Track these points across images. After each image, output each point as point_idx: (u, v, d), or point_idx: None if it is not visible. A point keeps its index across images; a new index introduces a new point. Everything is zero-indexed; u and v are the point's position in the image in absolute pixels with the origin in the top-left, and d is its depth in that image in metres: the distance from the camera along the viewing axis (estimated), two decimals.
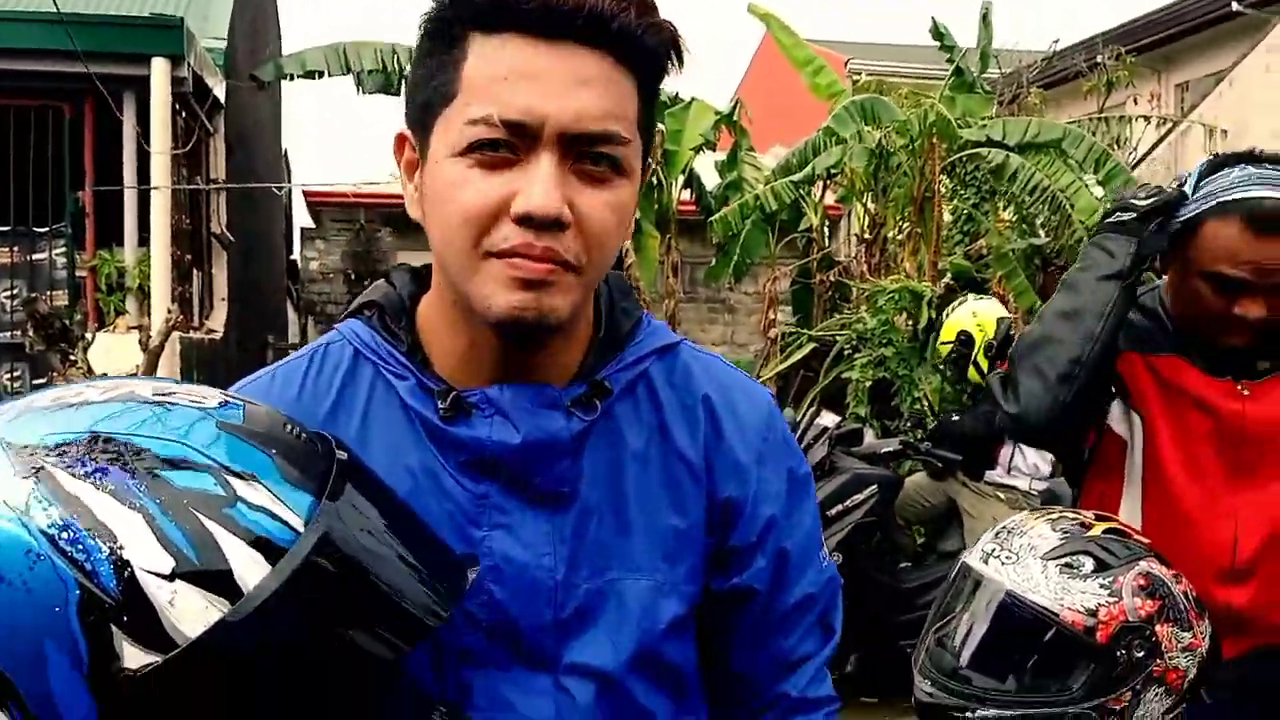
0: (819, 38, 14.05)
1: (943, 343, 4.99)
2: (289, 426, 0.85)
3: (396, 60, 8.14)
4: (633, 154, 0.94)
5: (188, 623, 0.72)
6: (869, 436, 5.23)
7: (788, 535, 1.07)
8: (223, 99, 7.93)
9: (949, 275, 7.96)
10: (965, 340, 4.86)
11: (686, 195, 9.66)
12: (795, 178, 8.53)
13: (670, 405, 1.05)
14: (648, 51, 0.92)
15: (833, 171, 8.83)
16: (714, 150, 9.51)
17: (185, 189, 7.24)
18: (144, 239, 6.72)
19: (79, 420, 0.77)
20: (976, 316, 4.92)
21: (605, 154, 0.91)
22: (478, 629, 0.97)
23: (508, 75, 0.89)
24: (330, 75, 9.26)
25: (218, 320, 8.26)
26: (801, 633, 1.09)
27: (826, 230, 10.68)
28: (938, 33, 8.95)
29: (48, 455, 0.74)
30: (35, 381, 6.78)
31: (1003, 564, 1.77)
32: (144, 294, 6.70)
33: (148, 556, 0.72)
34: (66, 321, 5.62)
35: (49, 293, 6.67)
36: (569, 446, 0.98)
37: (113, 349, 6.00)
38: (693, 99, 9.24)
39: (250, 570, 0.74)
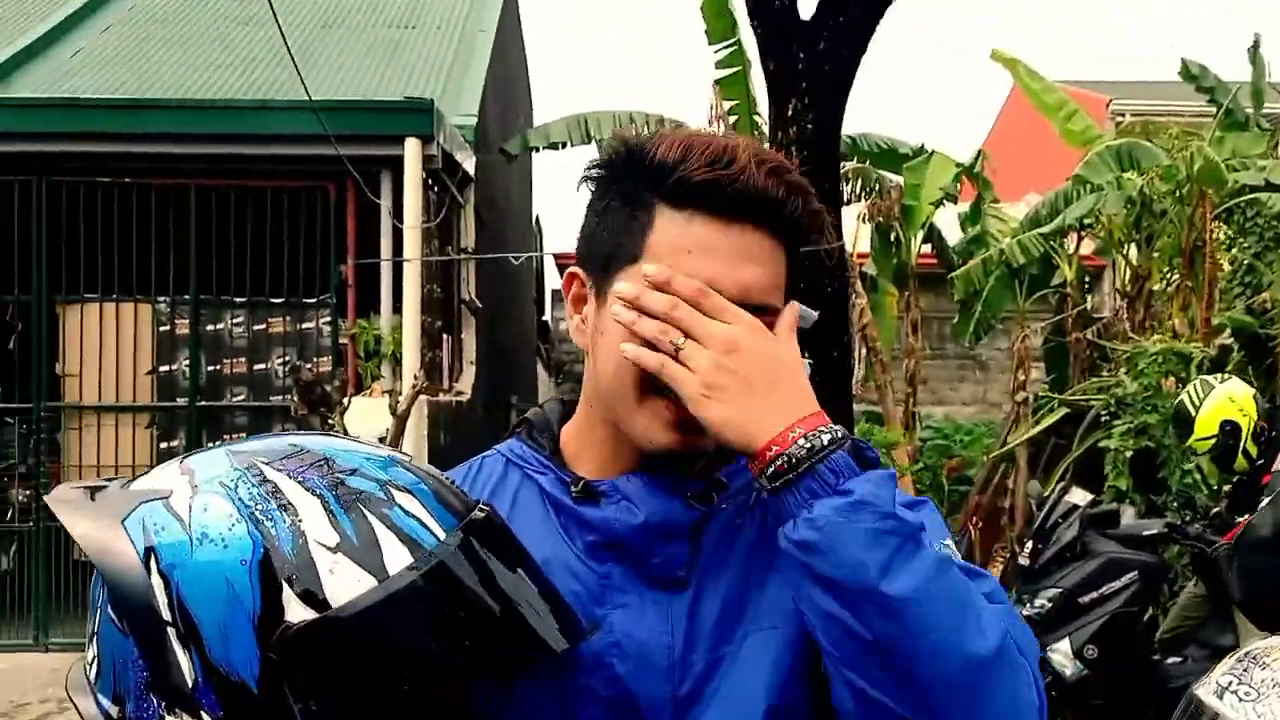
0: (1073, 78, 13.32)
1: (1201, 439, 4.44)
2: (446, 478, 1.00)
3: (634, 128, 8.36)
4: (777, 316, 1.04)
5: (342, 590, 0.85)
6: (1128, 516, 4.76)
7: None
8: (472, 172, 8.37)
9: (1227, 330, 7.24)
10: (1231, 430, 4.34)
11: (927, 249, 9.34)
12: (1044, 230, 8.07)
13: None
14: (803, 230, 1.04)
15: (1087, 222, 8.29)
16: (955, 204, 9.16)
17: (435, 259, 7.66)
18: (398, 308, 7.15)
19: (285, 441, 0.96)
20: (1235, 401, 4.39)
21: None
22: (598, 704, 1.02)
23: (692, 249, 1.00)
24: (573, 145, 9.65)
25: (466, 383, 8.65)
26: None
27: (1086, 285, 10.03)
28: (1189, 74, 8.27)
29: (258, 456, 0.92)
30: None
31: (1240, 700, 1.51)
32: (397, 360, 7.11)
33: (319, 531, 0.87)
34: (326, 388, 6.01)
35: (315, 359, 7.20)
36: (686, 530, 1.04)
37: (367, 412, 6.38)
38: (932, 152, 8.96)
39: (398, 558, 0.87)
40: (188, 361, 7.28)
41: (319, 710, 0.85)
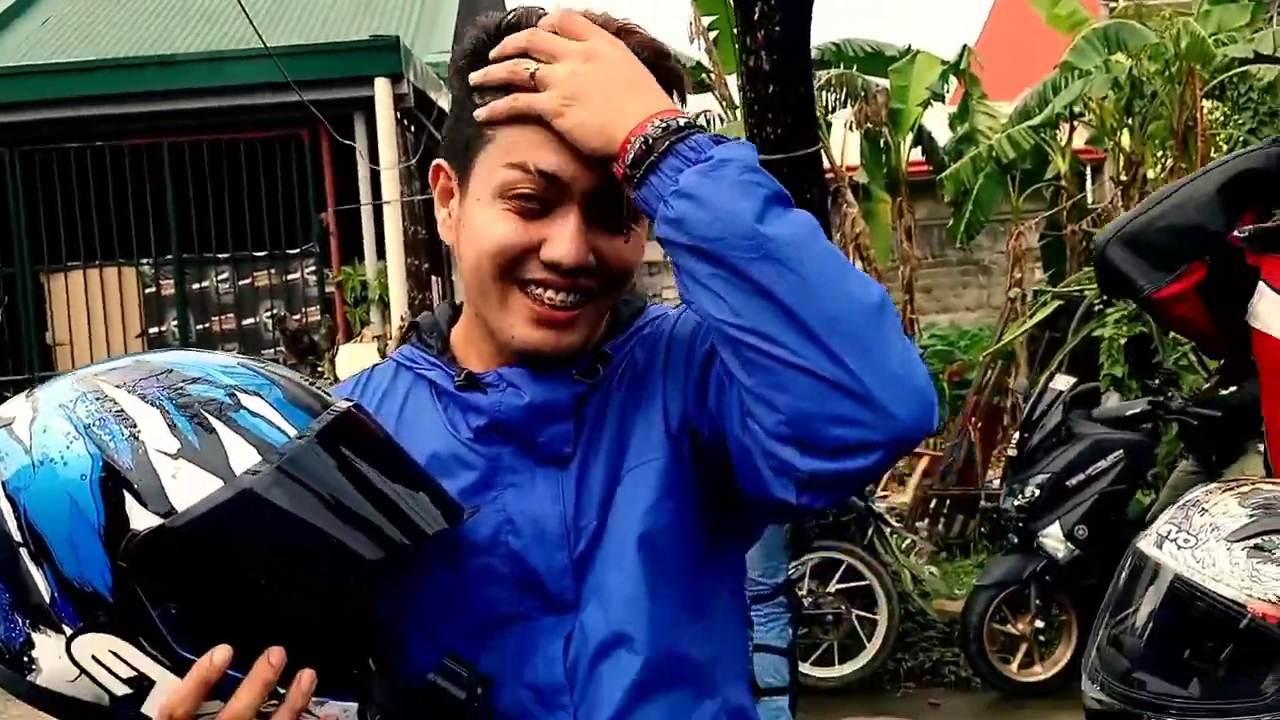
0: None
1: None
2: (306, 379, 0.98)
3: None
4: None
5: (186, 494, 0.86)
6: (1113, 399, 4.72)
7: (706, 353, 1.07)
8: (448, 109, 8.27)
9: None
10: None
11: (918, 154, 9.17)
12: (1033, 122, 7.89)
13: (642, 356, 1.10)
14: (655, 62, 1.02)
15: (1078, 111, 8.10)
16: (944, 103, 8.97)
17: (415, 200, 7.60)
18: (382, 252, 7.12)
19: (131, 358, 0.95)
20: None
21: (624, 216, 1.02)
22: (502, 581, 1.04)
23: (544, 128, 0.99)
24: None
25: None
26: None
27: (1087, 176, 9.84)
28: None
29: (100, 376, 0.92)
30: None
31: (1179, 548, 1.49)
32: (385, 304, 7.09)
33: (159, 439, 0.87)
34: (313, 337, 5.99)
35: (304, 309, 7.19)
36: (569, 408, 1.05)
37: (357, 358, 6.38)
38: (916, 52, 8.75)
39: (243, 459, 0.87)
40: (176, 322, 7.30)
41: (180, 614, 0.86)
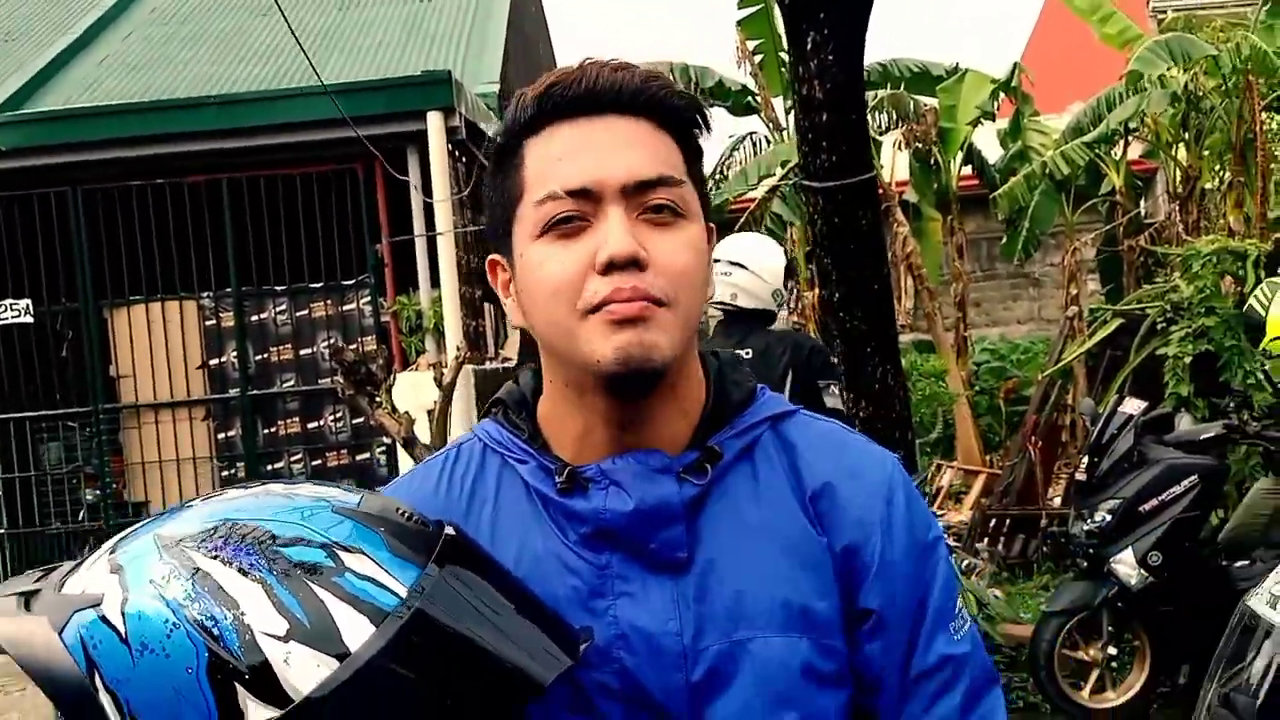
0: None
1: (1275, 339, 4.26)
2: (401, 510, 0.93)
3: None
4: (689, 196, 1.02)
5: (301, 679, 0.82)
6: (1186, 421, 4.64)
7: (913, 595, 1.05)
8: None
9: None
10: None
11: (968, 171, 9.12)
12: (1088, 138, 7.83)
13: (789, 471, 1.06)
14: (677, 112, 1.03)
15: (1133, 126, 8.02)
16: (994, 121, 8.91)
17: (469, 230, 7.65)
18: (436, 281, 7.18)
19: (217, 513, 0.90)
20: None
21: (664, 202, 0.99)
22: (613, 698, 1.00)
23: (561, 156, 0.99)
24: None
25: (511, 349, 8.67)
26: (947, 711, 1.04)
27: (1137, 191, 9.71)
28: None
29: (187, 543, 0.87)
30: (354, 422, 7.41)
31: None
32: (440, 333, 7.14)
33: (265, 621, 0.82)
34: (370, 366, 6.05)
35: (360, 339, 7.26)
36: (680, 512, 1.01)
37: (414, 386, 6.43)
38: (965, 70, 8.72)
39: (356, 631, 0.83)
40: (236, 353, 7.40)
41: None
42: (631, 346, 0.96)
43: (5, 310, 7.13)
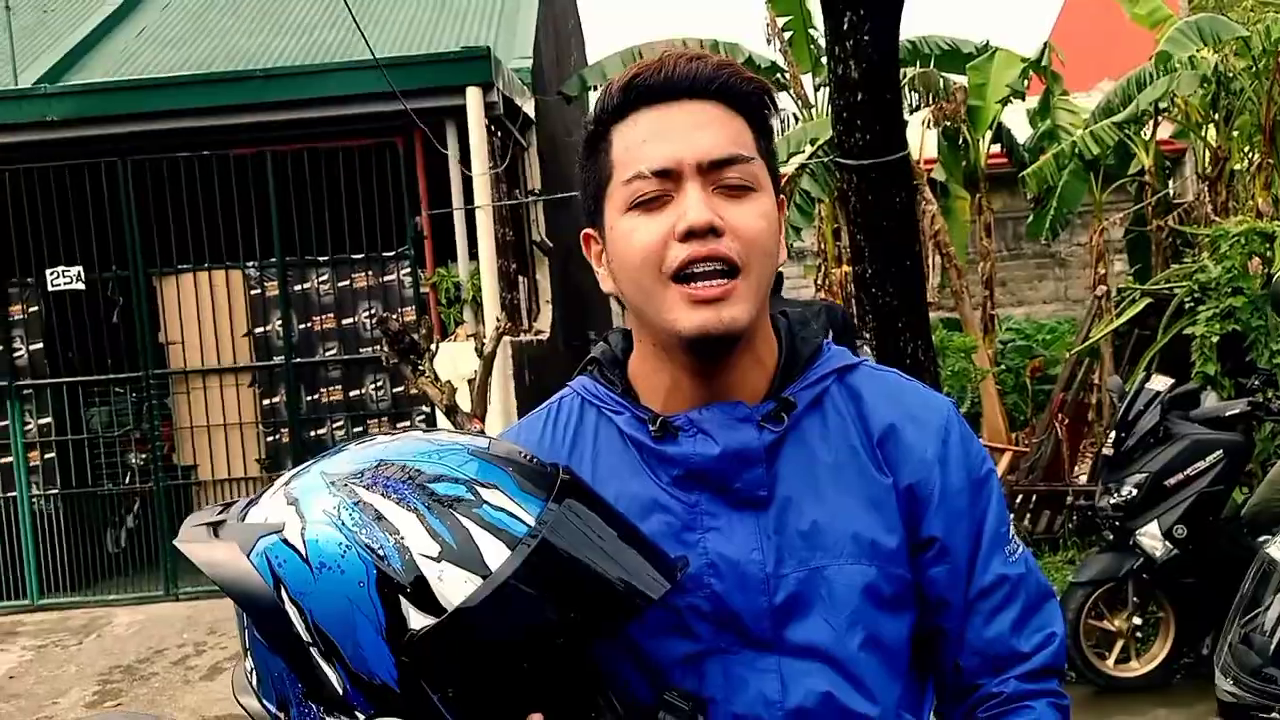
0: None
1: None
2: (524, 454, 1.09)
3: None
4: (760, 171, 1.13)
5: (453, 593, 0.96)
6: (1211, 398, 4.75)
7: (971, 523, 1.17)
8: (532, 114, 8.46)
9: None
10: None
11: (996, 149, 9.16)
12: (1118, 118, 7.86)
13: (855, 418, 1.18)
14: (746, 97, 1.14)
15: (1163, 106, 8.05)
16: (1023, 100, 8.95)
17: (505, 204, 7.80)
18: (474, 253, 7.33)
19: (371, 455, 1.05)
20: None
21: (736, 179, 1.11)
22: (705, 619, 1.13)
23: (645, 139, 1.11)
24: None
25: (544, 322, 8.83)
26: (1005, 625, 1.17)
27: (1166, 171, 9.73)
28: None
29: (351, 479, 1.02)
30: (395, 390, 7.59)
31: None
32: (477, 304, 7.30)
33: (421, 544, 0.97)
34: (414, 336, 6.21)
35: (399, 310, 7.43)
36: (761, 455, 1.14)
37: (454, 356, 6.59)
38: (995, 49, 8.75)
39: (496, 554, 0.97)
40: (280, 321, 7.58)
41: (456, 695, 0.97)
42: (709, 323, 1.08)
43: (58, 277, 7.33)
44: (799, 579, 1.12)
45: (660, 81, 1.11)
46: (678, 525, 1.13)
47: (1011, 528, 1.21)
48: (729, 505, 1.13)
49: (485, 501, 0.99)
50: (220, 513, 1.08)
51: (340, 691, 0.98)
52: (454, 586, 0.95)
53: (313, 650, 0.98)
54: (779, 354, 1.19)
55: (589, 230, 1.19)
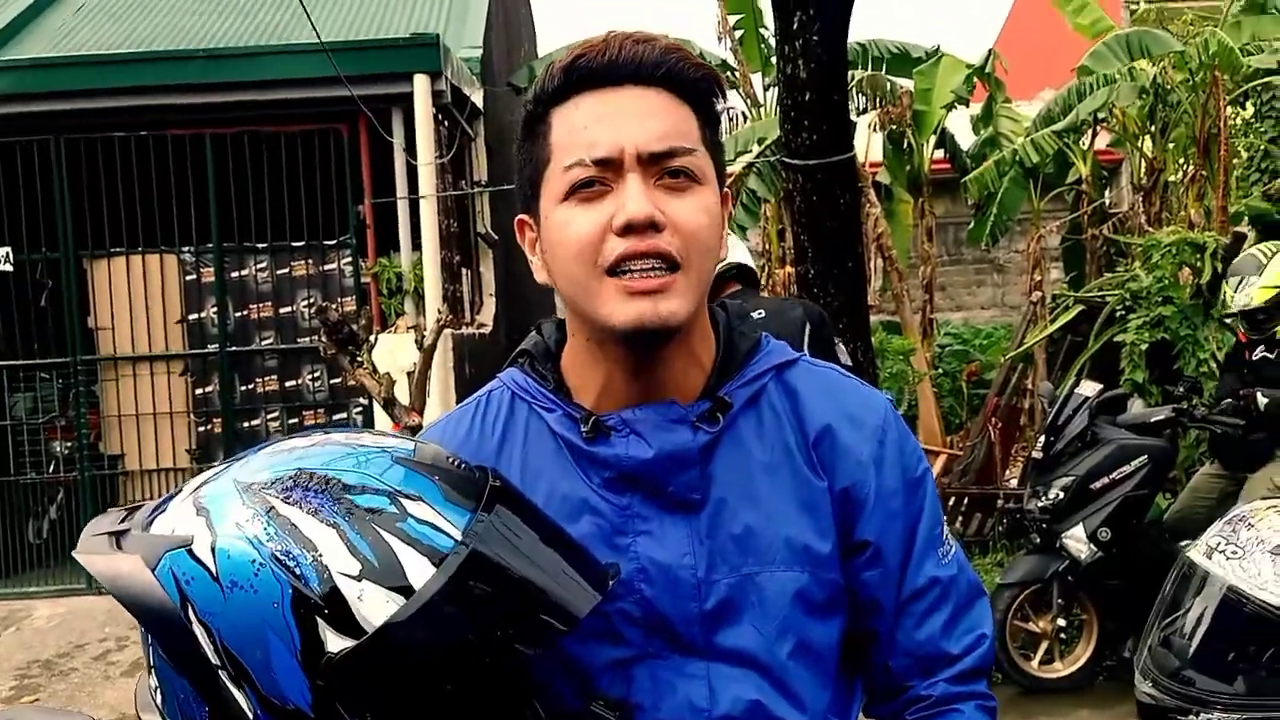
0: None
1: (1258, 308, 4.46)
2: (451, 459, 1.03)
3: None
4: (704, 163, 1.09)
5: (373, 613, 0.91)
6: (1138, 405, 4.86)
7: (905, 525, 1.16)
8: (481, 105, 8.40)
9: (1245, 220, 7.21)
10: None
11: (940, 154, 9.28)
12: (1058, 127, 8.00)
13: (791, 416, 1.16)
14: (694, 84, 1.10)
15: (1101, 117, 8.21)
16: (968, 106, 9.08)
17: (450, 195, 7.73)
18: (417, 244, 7.26)
19: (289, 460, 0.99)
20: None
21: (681, 168, 1.07)
22: (634, 625, 1.11)
23: (586, 124, 1.07)
24: None
25: (488, 314, 8.78)
26: (936, 627, 1.16)
27: (1102, 181, 9.91)
28: None
29: (266, 489, 0.96)
30: (332, 381, 7.49)
31: (1228, 559, 1.63)
32: (419, 296, 7.24)
33: (340, 562, 0.92)
34: (353, 327, 6.13)
35: (339, 299, 7.34)
36: (696, 457, 1.11)
37: (393, 348, 6.52)
38: (941, 54, 8.86)
39: (420, 571, 0.92)
40: (215, 309, 7.44)
41: (377, 718, 0.93)
42: (646, 315, 1.04)
43: None
44: (730, 585, 1.10)
45: (604, 64, 1.07)
46: (608, 529, 1.11)
47: (945, 528, 1.21)
48: (661, 508, 1.11)
49: (409, 514, 0.94)
50: (124, 520, 1.02)
51: (250, 716, 0.94)
52: (375, 607, 0.91)
53: (221, 673, 0.93)
54: (715, 350, 1.16)
55: (523, 216, 1.15)
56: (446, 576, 0.92)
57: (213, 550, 0.93)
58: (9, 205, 7.12)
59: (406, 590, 0.91)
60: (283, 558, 0.92)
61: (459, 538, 0.94)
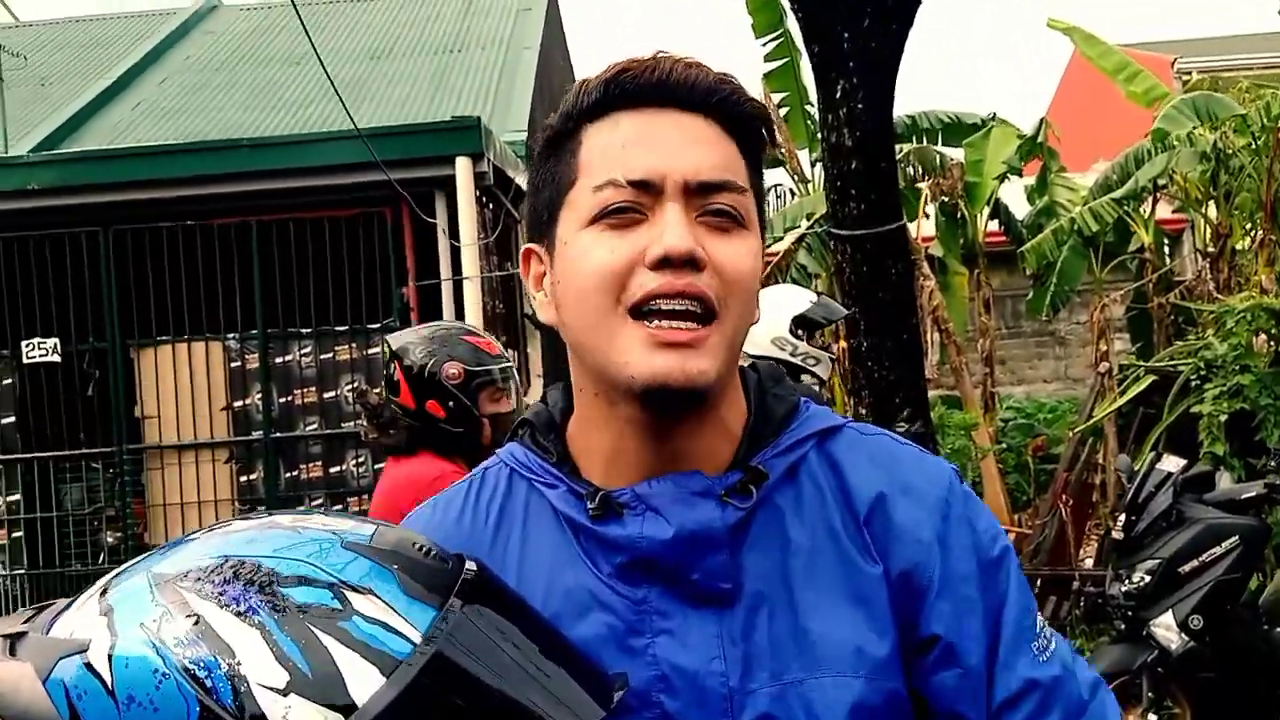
0: (1136, 40, 12.93)
1: None
2: (419, 545, 0.85)
3: None
4: (750, 205, 0.96)
5: None
6: (1225, 480, 4.56)
7: (985, 618, 0.95)
8: (525, 186, 8.38)
9: None
10: None
11: (995, 225, 9.11)
12: (1117, 194, 7.81)
13: (837, 492, 0.97)
14: (746, 119, 0.97)
15: (1162, 183, 7.99)
16: (1020, 176, 8.91)
17: (494, 275, 7.67)
18: None
19: (219, 548, 0.82)
20: None
21: (725, 207, 0.94)
22: None
23: (624, 144, 0.93)
24: None
25: (534, 396, 8.65)
26: None
27: (1165, 248, 9.66)
28: None
29: (182, 581, 0.79)
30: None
31: None
32: None
33: (263, 672, 0.75)
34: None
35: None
36: (725, 538, 0.93)
37: None
38: (993, 125, 8.73)
39: (365, 682, 0.75)
40: (260, 395, 7.38)
41: None
42: (671, 372, 0.89)
43: (34, 349, 7.16)
44: (770, 696, 0.91)
45: (652, 82, 0.94)
46: (621, 628, 0.93)
47: (1039, 618, 0.97)
48: (684, 602, 0.92)
49: (356, 611, 0.77)
50: (27, 620, 0.85)
51: None
52: None
53: None
54: (747, 415, 0.99)
55: (532, 246, 1.00)
56: (398, 689, 0.74)
57: (109, 658, 0.77)
58: (58, 296, 7.17)
59: (347, 709, 0.74)
60: (192, 667, 0.75)
61: (418, 641, 0.77)
